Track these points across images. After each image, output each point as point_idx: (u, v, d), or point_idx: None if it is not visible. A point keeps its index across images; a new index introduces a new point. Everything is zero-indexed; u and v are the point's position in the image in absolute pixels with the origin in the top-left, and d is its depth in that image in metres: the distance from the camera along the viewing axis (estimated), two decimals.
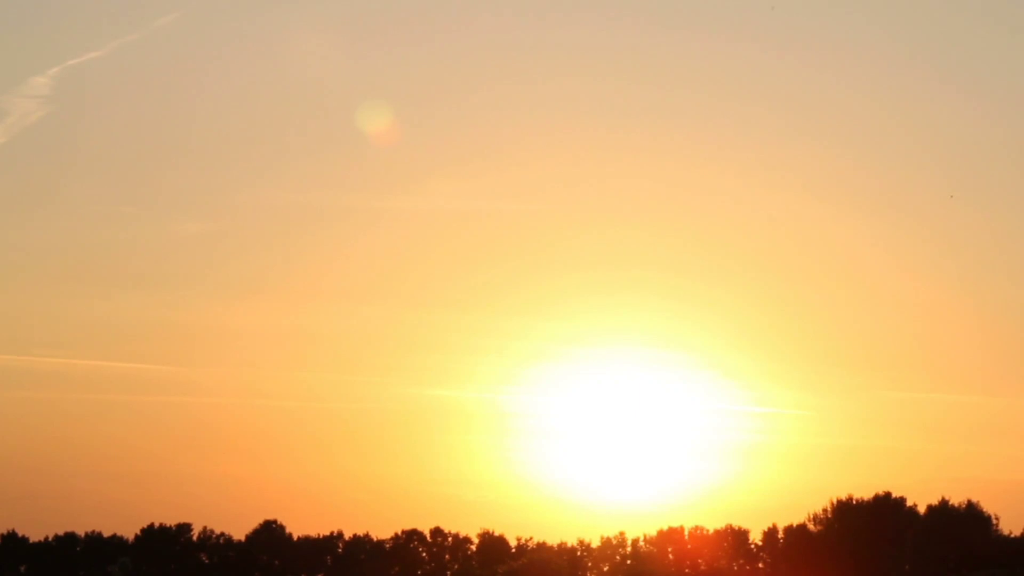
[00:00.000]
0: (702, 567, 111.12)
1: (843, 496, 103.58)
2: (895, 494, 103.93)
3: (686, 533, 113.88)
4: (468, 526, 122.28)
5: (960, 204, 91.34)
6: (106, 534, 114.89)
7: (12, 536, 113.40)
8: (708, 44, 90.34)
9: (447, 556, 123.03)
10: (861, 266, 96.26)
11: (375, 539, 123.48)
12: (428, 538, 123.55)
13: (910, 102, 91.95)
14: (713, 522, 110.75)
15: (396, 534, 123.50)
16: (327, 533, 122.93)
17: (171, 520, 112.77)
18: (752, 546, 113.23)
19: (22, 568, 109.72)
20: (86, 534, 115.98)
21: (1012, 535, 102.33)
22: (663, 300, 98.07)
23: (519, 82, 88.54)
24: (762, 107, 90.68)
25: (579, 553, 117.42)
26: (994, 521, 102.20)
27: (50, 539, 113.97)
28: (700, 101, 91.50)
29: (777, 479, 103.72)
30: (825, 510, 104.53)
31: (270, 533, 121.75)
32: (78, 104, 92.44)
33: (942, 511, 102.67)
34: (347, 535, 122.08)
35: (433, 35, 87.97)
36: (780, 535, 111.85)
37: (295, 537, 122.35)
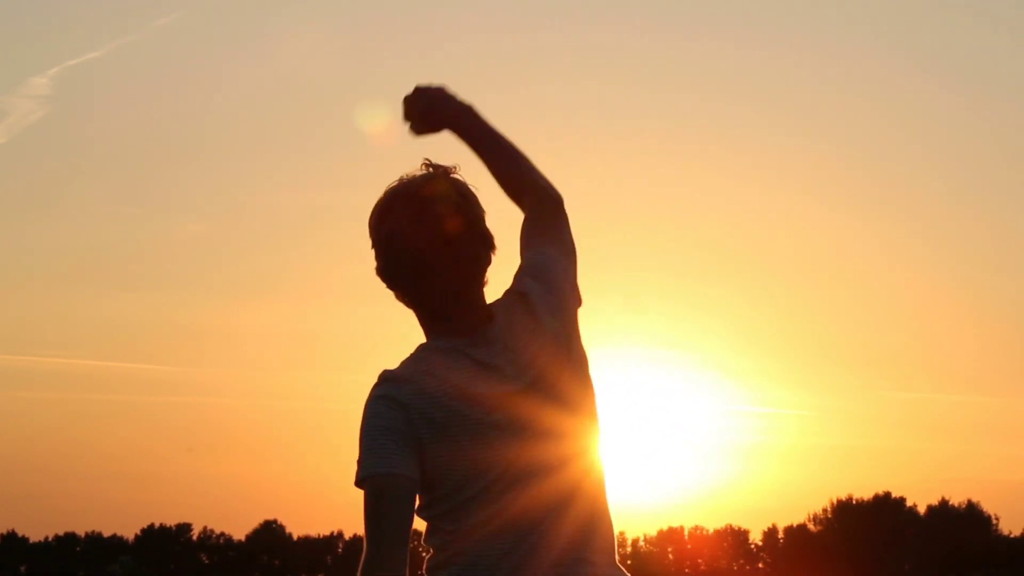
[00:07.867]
0: (702, 567, 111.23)
1: (843, 496, 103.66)
2: (895, 494, 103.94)
3: (686, 533, 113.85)
4: None
5: (959, 204, 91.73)
6: (106, 534, 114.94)
7: (12, 536, 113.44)
8: (705, 45, 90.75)
9: None
10: (861, 266, 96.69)
11: None
12: None
13: (912, 102, 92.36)
14: (713, 522, 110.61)
15: None
16: (327, 533, 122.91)
17: (171, 520, 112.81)
18: (752, 546, 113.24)
19: (22, 568, 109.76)
20: (86, 534, 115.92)
21: (1012, 535, 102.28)
22: (664, 301, 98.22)
23: (518, 84, 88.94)
24: (766, 108, 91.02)
25: None
26: (994, 521, 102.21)
27: (50, 539, 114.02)
28: (702, 102, 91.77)
29: (777, 479, 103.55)
30: (825, 510, 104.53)
31: (270, 533, 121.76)
32: (78, 104, 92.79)
33: (942, 511, 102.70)
34: (347, 535, 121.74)
35: (433, 36, 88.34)
36: (780, 535, 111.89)
37: (295, 537, 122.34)
